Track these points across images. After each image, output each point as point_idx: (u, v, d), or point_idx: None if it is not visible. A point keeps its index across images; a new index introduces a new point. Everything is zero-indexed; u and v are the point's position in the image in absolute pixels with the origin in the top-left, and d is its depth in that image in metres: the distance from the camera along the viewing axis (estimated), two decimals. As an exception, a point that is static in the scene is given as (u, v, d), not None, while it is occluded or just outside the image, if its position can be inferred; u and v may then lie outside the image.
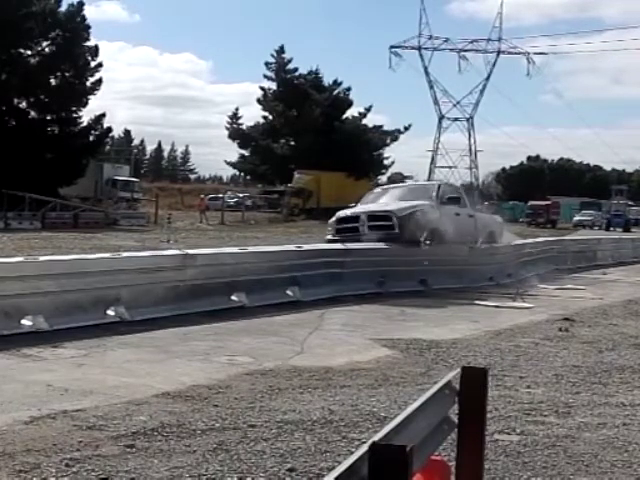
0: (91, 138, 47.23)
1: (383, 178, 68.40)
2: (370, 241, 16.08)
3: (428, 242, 16.43)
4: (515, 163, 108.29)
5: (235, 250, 13.34)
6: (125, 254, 12.72)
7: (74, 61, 45.15)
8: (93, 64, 46.29)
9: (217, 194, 60.51)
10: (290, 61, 63.58)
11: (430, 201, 17.44)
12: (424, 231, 16.37)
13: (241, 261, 12.83)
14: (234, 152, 65.17)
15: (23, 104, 45.27)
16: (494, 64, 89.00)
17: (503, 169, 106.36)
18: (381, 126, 65.98)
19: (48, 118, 45.65)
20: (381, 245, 15.82)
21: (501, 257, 19.26)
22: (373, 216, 16.74)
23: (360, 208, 17.63)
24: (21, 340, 8.91)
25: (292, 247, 15.12)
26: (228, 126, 65.41)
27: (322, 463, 5.17)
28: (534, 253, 21.54)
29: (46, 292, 9.81)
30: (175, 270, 11.59)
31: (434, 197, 17.71)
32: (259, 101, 64.41)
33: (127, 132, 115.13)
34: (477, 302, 14.26)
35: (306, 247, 15.16)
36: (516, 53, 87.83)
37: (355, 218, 16.98)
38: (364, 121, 64.40)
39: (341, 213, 17.76)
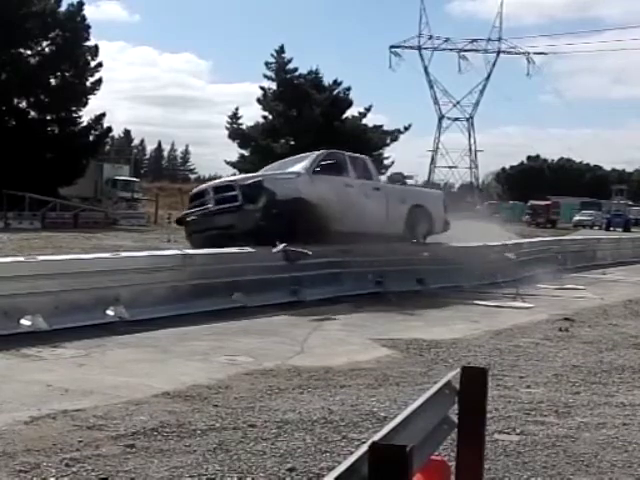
0: (91, 138, 47.23)
1: (383, 178, 68.39)
2: (218, 224, 13.76)
3: (300, 221, 13.45)
4: (515, 163, 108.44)
5: (234, 250, 13.29)
6: (124, 254, 12.72)
7: (74, 61, 45.15)
8: (93, 64, 46.30)
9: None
10: (290, 61, 63.52)
11: (302, 169, 14.57)
12: (284, 205, 13.53)
13: (240, 261, 12.83)
14: (234, 152, 65.11)
15: (23, 104, 45.28)
16: (494, 64, 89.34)
17: (503, 169, 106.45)
18: (381, 126, 65.92)
19: (48, 118, 45.65)
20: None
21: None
22: (218, 188, 14.52)
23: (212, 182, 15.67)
24: (21, 340, 8.91)
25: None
26: (228, 126, 65.35)
27: (322, 463, 5.17)
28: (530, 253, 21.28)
29: (45, 292, 9.81)
30: (174, 270, 11.59)
31: (308, 164, 14.68)
32: (259, 101, 64.36)
33: (127, 132, 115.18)
34: (477, 302, 14.26)
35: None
36: (516, 53, 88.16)
37: (202, 193, 14.83)
38: (364, 121, 64.35)
39: (195, 189, 15.61)
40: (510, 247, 19.02)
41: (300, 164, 14.88)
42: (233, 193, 13.86)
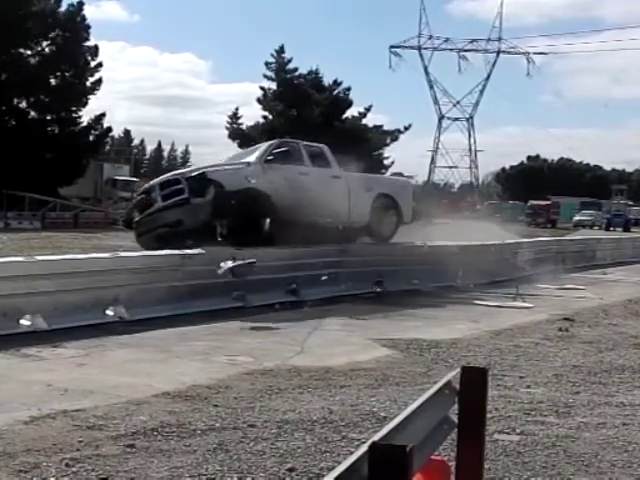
0: (91, 138, 47.22)
1: (383, 178, 68.34)
2: (166, 220, 13.18)
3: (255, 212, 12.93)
4: (515, 163, 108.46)
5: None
6: (123, 254, 12.71)
7: (74, 61, 45.15)
8: (93, 64, 46.30)
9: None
10: (290, 61, 63.52)
11: (253, 158, 14.01)
12: (234, 197, 12.92)
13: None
14: (234, 152, 65.20)
15: (23, 104, 45.28)
16: (494, 64, 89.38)
17: (503, 169, 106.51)
18: (381, 126, 65.96)
19: (48, 118, 45.66)
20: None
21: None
22: (164, 183, 13.76)
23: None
24: (20, 340, 8.91)
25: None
26: (228, 126, 65.34)
27: (322, 463, 5.17)
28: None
29: (45, 292, 9.81)
30: (173, 270, 11.59)
31: (260, 154, 14.07)
32: (259, 101, 64.37)
33: (127, 132, 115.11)
34: (477, 302, 14.26)
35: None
36: (516, 53, 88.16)
37: (149, 190, 14.06)
38: (364, 121, 64.38)
39: (142, 187, 14.67)
40: (500, 247, 18.78)
41: (253, 154, 14.36)
42: (179, 187, 13.22)
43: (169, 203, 13.15)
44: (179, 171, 14.13)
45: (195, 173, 13.39)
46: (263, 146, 14.62)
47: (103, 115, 47.26)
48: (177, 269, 11.63)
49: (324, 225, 13.91)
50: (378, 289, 14.51)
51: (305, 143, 15.00)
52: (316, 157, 14.73)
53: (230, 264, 11.23)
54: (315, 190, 13.79)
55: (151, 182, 14.15)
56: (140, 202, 14.14)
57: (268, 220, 13.26)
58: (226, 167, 13.86)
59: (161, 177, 14.32)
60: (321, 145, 15.48)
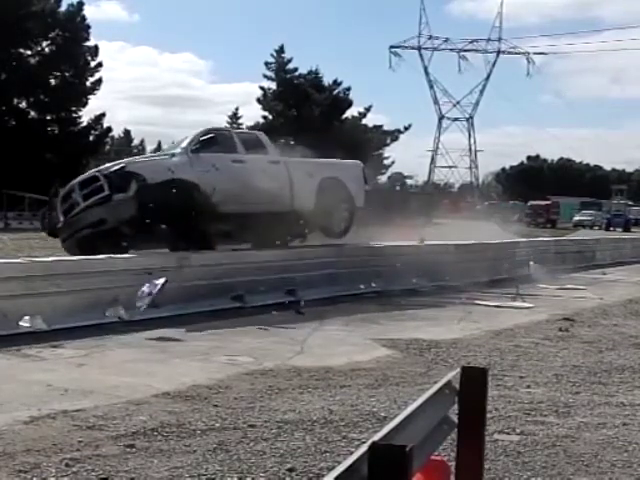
0: (91, 138, 47.27)
1: (383, 178, 68.45)
2: (89, 221, 12.38)
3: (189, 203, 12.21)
4: (515, 163, 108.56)
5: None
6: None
7: (74, 61, 45.21)
8: (93, 64, 46.37)
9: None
10: (290, 61, 63.62)
11: (178, 148, 13.35)
12: (157, 190, 12.11)
13: (238, 261, 12.84)
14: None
15: (23, 104, 45.33)
16: (494, 64, 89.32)
17: (503, 169, 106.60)
18: (381, 126, 66.07)
19: (48, 118, 45.70)
20: None
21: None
22: (83, 182, 12.88)
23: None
24: (20, 340, 8.92)
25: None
26: (228, 126, 65.39)
27: (322, 463, 5.17)
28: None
29: (44, 292, 9.82)
30: (172, 270, 11.58)
31: (186, 144, 13.29)
32: (259, 101, 64.45)
33: (127, 132, 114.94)
34: (477, 302, 14.26)
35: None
36: (516, 53, 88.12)
37: (69, 192, 13.08)
38: (364, 121, 64.47)
39: (67, 187, 13.38)
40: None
41: (180, 145, 13.66)
42: (99, 184, 12.37)
43: (90, 202, 12.37)
44: (96, 168, 13.17)
45: (114, 168, 12.57)
46: (191, 135, 13.75)
47: (103, 115, 47.36)
48: (176, 270, 11.63)
49: (265, 213, 13.22)
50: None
51: (238, 130, 14.57)
52: (251, 144, 14.02)
53: (147, 290, 10.04)
54: (250, 177, 13.15)
55: (71, 182, 13.17)
56: (62, 206, 13.11)
57: (196, 210, 12.42)
58: (148, 159, 13.46)
59: (81, 176, 13.35)
60: (256, 132, 15.03)
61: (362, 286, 14.57)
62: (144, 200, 12.02)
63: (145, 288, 10.01)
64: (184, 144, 13.32)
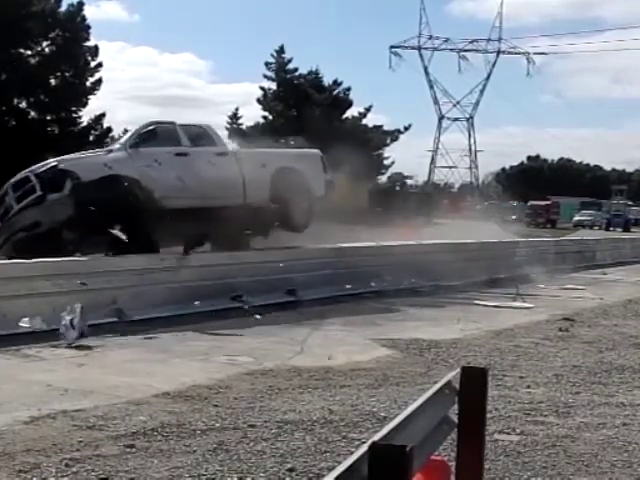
0: (91, 138, 47.13)
1: (383, 178, 68.48)
2: (22, 224, 11.76)
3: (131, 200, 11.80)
4: (515, 163, 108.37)
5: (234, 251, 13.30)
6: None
7: (74, 61, 45.13)
8: (93, 64, 46.27)
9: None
10: (290, 61, 63.54)
11: (116, 144, 13.05)
12: (92, 187, 11.56)
13: (238, 261, 12.85)
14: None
15: (23, 104, 45.26)
16: (494, 64, 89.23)
17: (503, 169, 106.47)
18: (381, 126, 65.92)
19: (48, 118, 45.63)
20: None
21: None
22: (16, 184, 12.27)
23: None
24: (20, 340, 8.92)
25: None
26: (228, 126, 65.34)
27: (322, 463, 5.17)
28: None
29: (44, 292, 9.82)
30: (171, 271, 11.60)
31: (125, 139, 13.00)
32: (259, 101, 64.38)
33: (127, 132, 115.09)
34: (477, 302, 14.27)
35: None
36: (516, 53, 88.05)
37: (3, 196, 12.43)
38: (364, 121, 64.35)
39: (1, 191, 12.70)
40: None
41: (119, 140, 13.30)
42: (31, 185, 11.85)
43: (23, 204, 11.81)
44: (31, 168, 12.35)
45: (46, 167, 12.03)
46: (131, 131, 13.33)
47: (103, 115, 47.23)
48: (175, 270, 11.64)
49: (216, 208, 12.64)
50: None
51: (183, 123, 13.75)
52: (197, 137, 13.48)
53: (68, 322, 9.20)
54: (196, 170, 12.72)
55: (5, 185, 12.56)
56: None
57: (136, 207, 11.84)
58: (82, 156, 12.79)
59: (14, 177, 12.60)
60: (202, 123, 14.42)
61: (361, 286, 14.58)
62: (80, 199, 11.46)
63: (65, 321, 9.25)
64: (123, 139, 12.95)
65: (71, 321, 9.11)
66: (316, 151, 15.53)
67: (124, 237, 11.40)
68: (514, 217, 55.23)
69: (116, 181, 11.81)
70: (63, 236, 11.66)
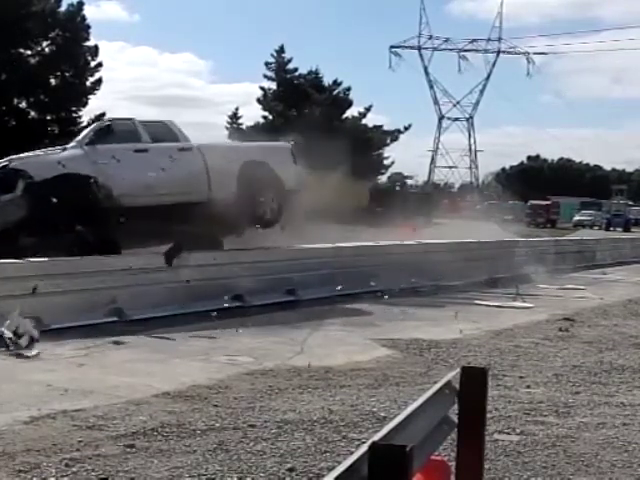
0: (91, 138, 47.13)
1: (383, 178, 68.48)
2: None
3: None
4: (515, 163, 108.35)
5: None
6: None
7: (74, 61, 45.12)
8: (93, 64, 46.27)
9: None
10: (290, 61, 63.55)
11: (72, 142, 12.53)
12: (45, 186, 11.26)
13: (237, 261, 12.85)
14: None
15: (23, 104, 45.26)
16: (494, 64, 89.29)
17: (503, 169, 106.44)
18: (381, 126, 65.90)
19: (48, 118, 45.64)
20: None
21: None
22: None
23: None
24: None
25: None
26: (228, 126, 65.37)
27: (322, 463, 5.17)
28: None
29: (44, 293, 9.82)
30: (171, 271, 11.60)
31: (81, 137, 12.57)
32: (259, 101, 64.38)
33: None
34: (477, 302, 14.27)
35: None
36: (516, 53, 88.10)
37: None
38: (364, 121, 64.34)
39: None
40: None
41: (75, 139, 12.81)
42: None
43: None
44: None
45: None
46: (87, 129, 13.02)
47: (103, 115, 47.03)
48: (175, 270, 11.64)
49: (180, 204, 12.31)
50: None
51: (143, 120, 13.34)
52: (159, 133, 13.07)
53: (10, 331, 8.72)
54: (157, 166, 12.37)
55: None
56: None
57: (93, 206, 11.49)
58: (35, 154, 12.43)
59: None
60: (164, 119, 13.92)
61: (361, 286, 14.58)
62: (34, 199, 11.13)
63: (8, 334, 8.75)
64: (79, 137, 12.57)
65: (15, 331, 8.76)
66: (286, 143, 15.16)
67: (90, 237, 11.21)
68: (509, 217, 53.75)
69: (71, 180, 11.45)
70: (20, 238, 11.21)
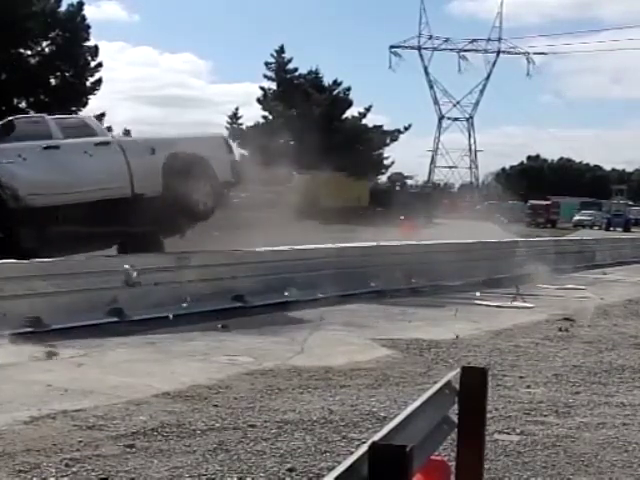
0: (91, 138, 47.14)
1: (383, 178, 68.50)
2: None
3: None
4: (515, 163, 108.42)
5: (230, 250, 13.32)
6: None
7: (74, 61, 45.15)
8: (93, 64, 46.30)
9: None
10: (290, 61, 63.60)
11: None
12: None
13: (238, 262, 12.85)
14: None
15: (23, 104, 45.25)
16: (494, 64, 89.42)
17: (503, 169, 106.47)
18: (381, 126, 65.96)
19: (48, 118, 45.64)
20: None
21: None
22: None
23: None
24: (20, 340, 8.91)
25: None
26: (228, 126, 65.38)
27: (322, 463, 5.17)
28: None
29: (43, 293, 9.83)
30: (171, 271, 11.61)
31: None
32: (259, 101, 64.43)
33: (127, 132, 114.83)
34: (477, 302, 14.26)
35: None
36: (516, 53, 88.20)
37: None
38: (364, 121, 64.40)
39: None
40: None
41: None
42: None
43: None
44: None
45: None
46: None
47: (103, 115, 47.17)
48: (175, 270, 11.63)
49: (100, 201, 11.82)
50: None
51: (55, 116, 12.88)
52: (74, 129, 12.56)
53: None
54: (70, 163, 11.85)
55: None
56: None
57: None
58: None
59: None
60: (79, 115, 13.77)
61: (361, 286, 14.58)
62: None
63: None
64: None
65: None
66: (219, 133, 14.66)
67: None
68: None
69: None
70: None
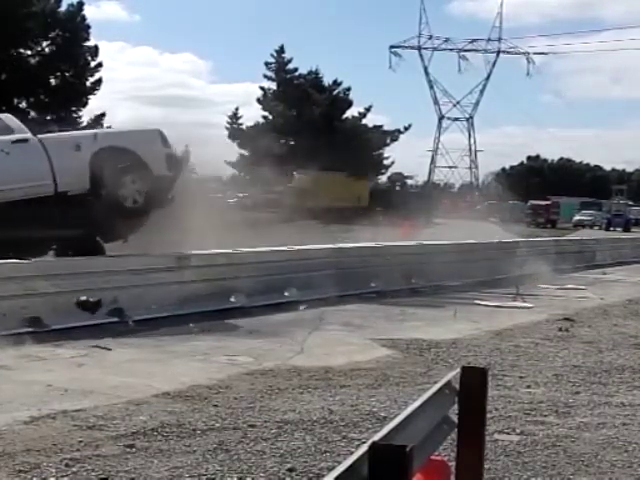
0: (91, 138, 47.11)
1: (383, 178, 68.51)
2: None
3: None
4: (515, 163, 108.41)
5: (229, 250, 13.31)
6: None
7: (74, 61, 45.19)
8: (93, 64, 46.34)
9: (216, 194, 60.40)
10: (290, 61, 63.66)
11: None
12: None
13: (236, 262, 12.85)
14: (234, 152, 65.22)
15: (23, 104, 45.29)
16: (494, 64, 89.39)
17: (503, 169, 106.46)
18: (381, 126, 66.04)
19: (48, 118, 45.63)
20: None
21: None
22: None
23: None
24: (20, 340, 8.91)
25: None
26: (228, 126, 65.41)
27: (322, 463, 5.17)
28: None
29: (43, 293, 9.83)
30: (171, 271, 11.61)
31: None
32: (259, 101, 64.50)
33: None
34: (477, 302, 14.26)
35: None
36: (516, 53, 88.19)
37: None
38: (364, 121, 64.47)
39: None
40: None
41: None
42: None
43: None
44: None
45: None
46: None
47: (103, 115, 47.27)
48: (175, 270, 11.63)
49: (19, 202, 11.42)
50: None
51: None
52: None
53: None
54: None
55: None
56: None
57: None
58: None
59: None
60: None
61: (361, 286, 14.58)
62: None
63: None
64: None
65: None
66: (153, 127, 13.96)
67: None
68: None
69: None
70: None
